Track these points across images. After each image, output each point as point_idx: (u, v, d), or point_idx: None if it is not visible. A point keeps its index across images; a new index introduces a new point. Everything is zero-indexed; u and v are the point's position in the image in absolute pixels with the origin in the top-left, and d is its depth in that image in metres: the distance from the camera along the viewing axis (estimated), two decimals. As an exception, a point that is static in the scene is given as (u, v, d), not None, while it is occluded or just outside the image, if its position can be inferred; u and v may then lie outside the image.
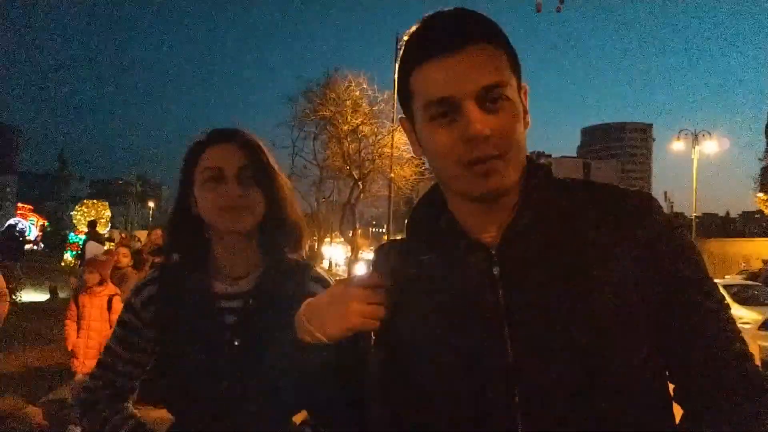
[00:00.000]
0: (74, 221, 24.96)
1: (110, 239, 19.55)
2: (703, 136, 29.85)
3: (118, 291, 5.47)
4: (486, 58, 0.93)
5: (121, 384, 1.51)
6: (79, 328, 5.27)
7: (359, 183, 28.08)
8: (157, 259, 6.12)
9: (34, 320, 9.47)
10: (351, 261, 27.24)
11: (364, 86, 26.97)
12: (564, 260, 0.96)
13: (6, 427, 5.18)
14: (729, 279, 16.53)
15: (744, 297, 11.76)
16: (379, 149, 27.35)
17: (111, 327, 4.93)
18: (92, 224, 16.74)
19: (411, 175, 26.69)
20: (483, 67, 0.92)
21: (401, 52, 1.00)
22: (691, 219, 32.63)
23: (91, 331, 5.22)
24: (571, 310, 0.93)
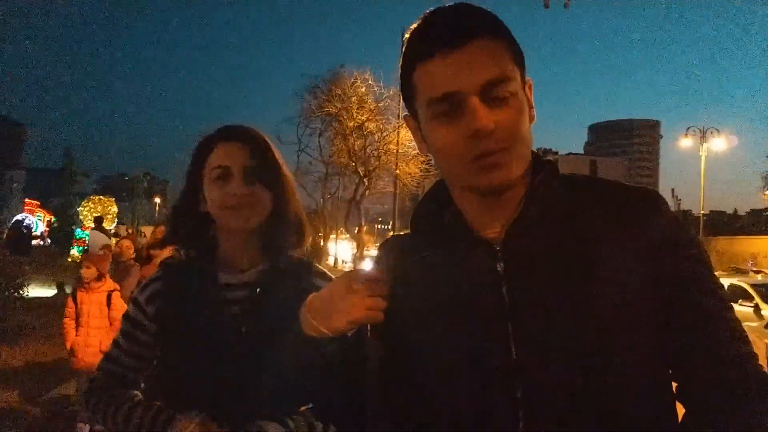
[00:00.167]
0: (81, 217, 25.06)
1: (117, 235, 19.63)
2: (711, 133, 29.65)
3: (118, 286, 5.22)
4: (489, 53, 0.92)
5: (126, 376, 1.52)
6: (77, 326, 4.99)
7: (365, 179, 28.11)
8: (165, 253, 6.06)
9: (40, 315, 9.51)
10: (357, 258, 27.25)
11: (370, 82, 27.01)
12: (568, 257, 0.95)
13: (8, 424, 5.15)
14: (760, 278, 15.99)
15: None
16: (385, 146, 27.37)
17: (111, 323, 4.88)
18: (99, 220, 16.86)
19: (416, 172, 26.67)
20: (486, 62, 0.91)
21: (403, 49, 0.99)
22: (699, 216, 32.45)
23: (91, 329, 4.94)
24: (575, 307, 0.92)
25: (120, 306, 4.92)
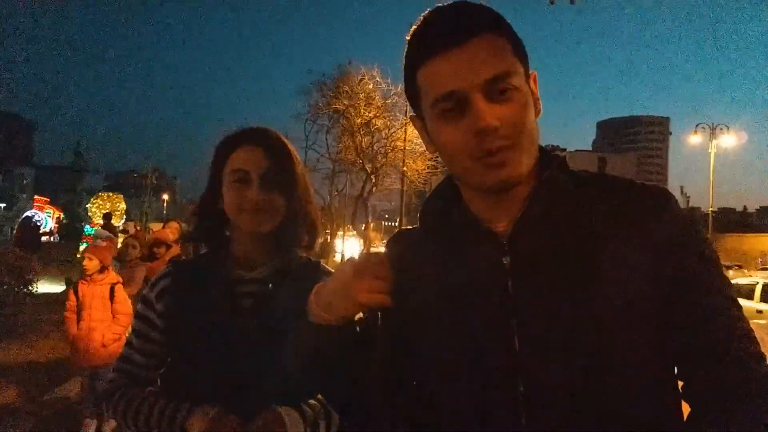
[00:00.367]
0: (90, 213, 25.23)
1: (125, 231, 19.71)
2: (721, 129, 29.41)
3: (121, 279, 5.10)
4: (490, 49, 0.92)
5: (142, 375, 1.54)
6: (79, 319, 4.82)
7: (372, 176, 28.08)
8: (173, 251, 5.95)
9: (49, 311, 9.57)
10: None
11: (378, 79, 26.94)
12: (575, 253, 0.95)
13: (11, 422, 5.13)
14: None
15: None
16: (392, 143, 27.32)
17: (114, 317, 4.81)
18: (107, 216, 16.90)
19: (424, 169, 26.64)
20: (488, 58, 0.91)
21: (406, 50, 1.00)
22: (708, 214, 32.23)
23: (93, 322, 4.77)
24: (579, 304, 0.92)
25: (123, 299, 4.88)
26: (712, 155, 29.55)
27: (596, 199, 0.99)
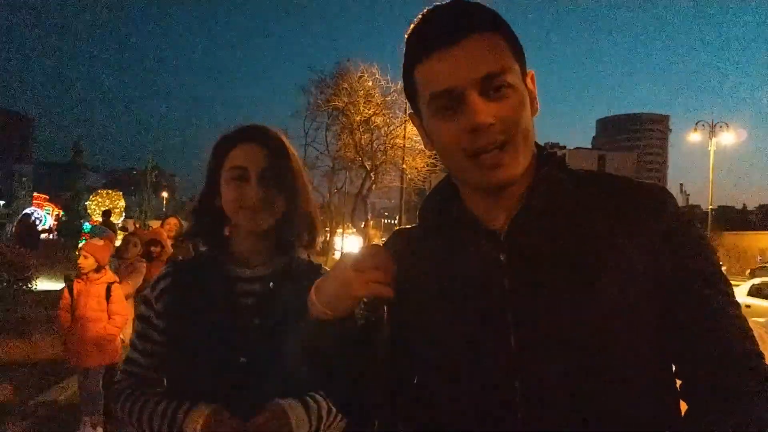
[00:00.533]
0: (89, 211, 25.21)
1: (124, 229, 19.69)
2: (720, 127, 29.42)
3: (117, 278, 4.93)
4: (485, 47, 0.93)
5: (147, 376, 1.54)
6: (73, 319, 4.63)
7: (371, 174, 28.06)
8: (165, 249, 5.91)
9: (48, 308, 9.54)
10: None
11: (377, 76, 26.89)
12: (572, 251, 0.95)
13: (11, 419, 5.06)
14: None
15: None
16: (392, 140, 27.30)
17: (110, 317, 4.66)
18: (106, 214, 16.87)
19: (423, 167, 26.62)
20: (483, 56, 0.92)
21: (404, 49, 1.01)
22: (707, 211, 32.23)
23: (87, 322, 4.58)
24: (575, 301, 0.93)
25: (119, 299, 4.76)
26: (712, 153, 29.56)
27: (594, 198, 0.99)
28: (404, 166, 24.43)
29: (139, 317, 1.57)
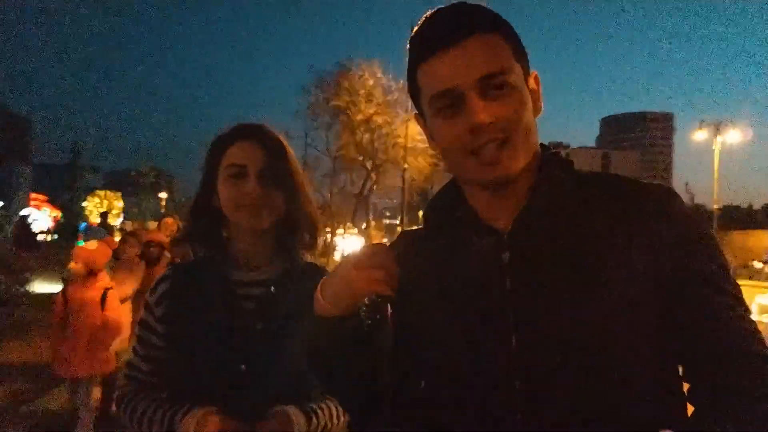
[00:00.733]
0: (87, 212, 25.12)
1: (123, 230, 19.55)
2: (726, 125, 29.25)
3: (113, 284, 4.66)
4: (486, 48, 0.94)
5: (147, 381, 1.52)
6: (65, 325, 4.38)
7: (372, 174, 27.96)
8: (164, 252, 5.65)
9: (45, 310, 9.48)
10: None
11: (378, 75, 26.83)
12: (573, 251, 0.96)
13: (10, 420, 4.97)
14: None
15: None
16: (393, 139, 27.20)
17: (106, 325, 4.38)
18: (104, 215, 16.80)
19: (425, 166, 26.48)
20: (483, 57, 0.94)
21: (408, 50, 1.03)
22: (713, 210, 31.99)
23: (80, 329, 4.33)
24: (577, 300, 0.93)
25: (115, 306, 4.48)
26: (717, 151, 29.38)
27: (596, 198, 0.99)
28: (405, 165, 24.25)
29: (139, 322, 1.54)
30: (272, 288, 1.47)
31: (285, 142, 1.53)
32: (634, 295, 0.92)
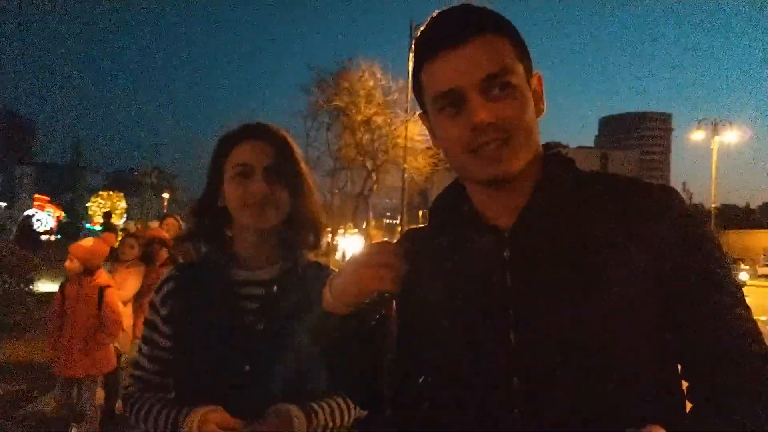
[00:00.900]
0: (90, 212, 25.18)
1: (125, 230, 19.63)
2: (723, 125, 29.33)
3: (112, 282, 4.58)
4: (488, 48, 0.96)
5: (153, 381, 1.53)
6: (62, 324, 4.31)
7: (372, 174, 28.01)
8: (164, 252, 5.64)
9: (48, 309, 9.51)
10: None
11: (378, 76, 26.86)
12: (575, 248, 0.96)
13: (14, 414, 5.04)
14: None
15: None
16: (393, 140, 27.24)
17: (103, 324, 4.32)
18: (107, 215, 16.85)
19: (425, 166, 26.53)
20: (485, 57, 0.95)
21: (413, 50, 1.05)
22: (710, 210, 32.11)
23: (77, 328, 4.24)
24: (577, 300, 0.93)
25: (113, 304, 4.40)
26: (715, 151, 29.51)
27: (598, 198, 1.00)
28: (406, 165, 24.31)
29: (145, 321, 1.55)
30: (275, 288, 1.47)
31: (292, 142, 1.53)
32: (634, 293, 0.92)
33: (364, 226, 31.43)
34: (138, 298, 5.20)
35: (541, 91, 1.05)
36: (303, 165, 1.54)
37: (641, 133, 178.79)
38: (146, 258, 5.45)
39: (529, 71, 1.02)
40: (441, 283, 1.06)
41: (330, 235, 29.82)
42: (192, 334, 1.44)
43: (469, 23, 0.97)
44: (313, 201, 1.54)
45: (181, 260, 5.17)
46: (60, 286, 4.57)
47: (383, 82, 26.90)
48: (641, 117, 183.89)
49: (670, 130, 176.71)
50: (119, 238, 7.16)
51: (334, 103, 27.77)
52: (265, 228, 1.46)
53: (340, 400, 1.45)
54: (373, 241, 1.12)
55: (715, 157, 29.75)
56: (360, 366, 1.10)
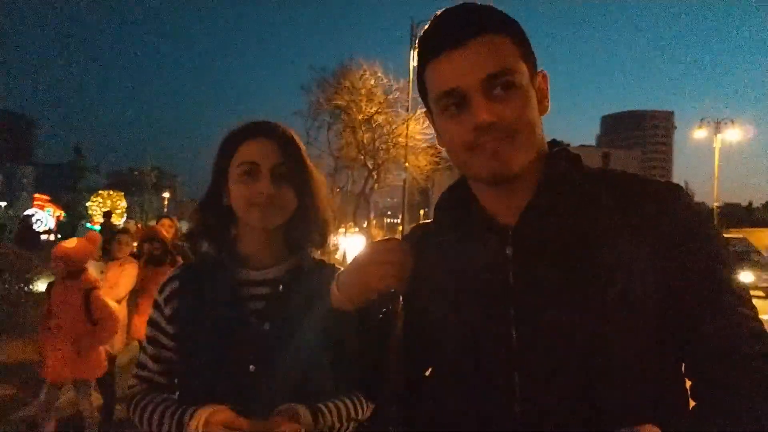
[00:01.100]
0: (90, 212, 25.14)
1: (125, 230, 19.55)
2: (726, 124, 29.26)
3: (98, 284, 4.34)
4: (491, 48, 0.95)
5: (158, 381, 1.52)
6: (49, 327, 4.11)
7: (373, 173, 27.93)
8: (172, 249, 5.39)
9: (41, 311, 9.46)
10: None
11: (379, 75, 26.74)
12: (578, 247, 0.96)
13: (14, 413, 4.96)
14: None
15: None
16: (394, 139, 27.14)
17: (95, 324, 4.12)
18: (108, 215, 16.81)
19: (426, 165, 26.46)
20: (488, 57, 0.95)
21: (417, 50, 1.05)
22: (712, 209, 32.01)
23: (62, 333, 4.05)
24: (578, 297, 0.94)
25: (102, 306, 4.17)
26: (717, 149, 29.42)
27: (603, 195, 1.00)
28: (406, 164, 24.23)
29: (149, 321, 1.54)
30: (280, 287, 1.46)
31: (298, 140, 1.51)
32: (636, 291, 0.92)
33: (365, 225, 31.35)
34: (132, 296, 5.06)
35: (547, 89, 1.05)
36: (309, 162, 1.51)
37: (643, 131, 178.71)
38: (148, 256, 5.26)
39: (533, 70, 1.01)
40: (445, 279, 1.07)
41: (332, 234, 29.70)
42: (197, 333, 1.43)
43: (471, 23, 0.97)
44: (319, 199, 1.52)
45: (179, 259, 5.11)
46: (47, 287, 4.39)
47: (384, 81, 26.81)
48: (643, 115, 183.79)
49: (672, 128, 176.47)
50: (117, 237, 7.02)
51: (334, 102, 27.66)
52: (270, 227, 1.44)
53: (347, 401, 1.43)
54: (370, 242, 1.08)
55: (717, 156, 29.67)
56: (366, 361, 1.10)
